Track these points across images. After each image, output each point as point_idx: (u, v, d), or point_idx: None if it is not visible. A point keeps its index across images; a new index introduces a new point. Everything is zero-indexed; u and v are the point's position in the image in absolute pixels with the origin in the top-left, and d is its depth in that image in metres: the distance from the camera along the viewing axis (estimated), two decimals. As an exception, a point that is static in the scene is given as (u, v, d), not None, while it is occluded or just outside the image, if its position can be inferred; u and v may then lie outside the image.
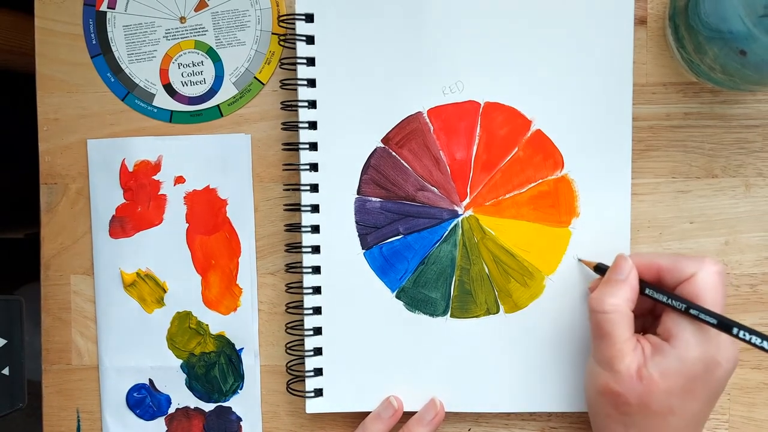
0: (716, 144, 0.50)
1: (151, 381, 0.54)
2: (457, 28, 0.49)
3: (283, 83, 0.50)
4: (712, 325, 0.41)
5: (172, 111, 0.53)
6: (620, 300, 0.43)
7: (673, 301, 0.42)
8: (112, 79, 0.53)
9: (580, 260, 0.49)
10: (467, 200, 0.50)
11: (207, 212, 0.52)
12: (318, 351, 0.51)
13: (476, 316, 0.50)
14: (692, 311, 0.41)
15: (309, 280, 0.50)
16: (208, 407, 0.53)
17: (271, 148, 0.52)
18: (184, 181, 0.53)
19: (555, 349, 0.50)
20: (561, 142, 0.49)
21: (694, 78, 0.49)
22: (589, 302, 0.44)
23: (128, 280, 0.53)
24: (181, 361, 0.53)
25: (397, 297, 0.50)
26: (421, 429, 0.49)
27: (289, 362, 0.52)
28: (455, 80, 0.49)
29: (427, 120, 0.50)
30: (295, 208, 0.50)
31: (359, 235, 0.50)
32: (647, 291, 0.44)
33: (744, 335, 0.40)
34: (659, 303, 0.43)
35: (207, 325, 0.53)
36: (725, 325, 0.41)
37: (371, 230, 0.50)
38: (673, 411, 0.42)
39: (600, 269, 0.47)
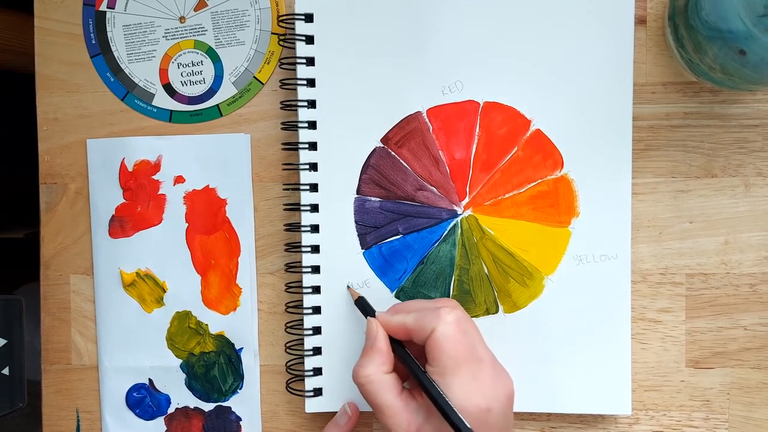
0: (716, 143, 0.49)
1: (150, 381, 0.54)
2: (456, 27, 0.49)
3: (283, 83, 0.50)
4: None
5: (171, 111, 0.53)
6: (372, 369, 0.44)
7: (418, 373, 0.43)
8: (112, 79, 0.53)
9: (348, 288, 0.50)
10: (466, 200, 0.50)
11: (206, 212, 0.52)
12: (317, 350, 0.51)
13: (475, 316, 0.50)
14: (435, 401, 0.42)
15: (308, 280, 0.50)
16: (207, 407, 0.53)
17: (271, 148, 0.52)
18: (184, 180, 0.53)
19: (554, 349, 0.50)
20: (560, 141, 0.49)
21: (693, 78, 0.48)
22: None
23: (128, 280, 0.53)
24: (180, 361, 0.53)
25: (397, 297, 0.50)
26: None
27: (288, 362, 0.52)
28: (455, 80, 0.49)
29: (427, 119, 0.50)
30: (295, 207, 0.50)
31: (359, 235, 0.50)
32: (398, 353, 0.45)
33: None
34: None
35: (206, 324, 0.53)
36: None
37: (370, 230, 0.50)
38: None
39: (360, 303, 0.48)
